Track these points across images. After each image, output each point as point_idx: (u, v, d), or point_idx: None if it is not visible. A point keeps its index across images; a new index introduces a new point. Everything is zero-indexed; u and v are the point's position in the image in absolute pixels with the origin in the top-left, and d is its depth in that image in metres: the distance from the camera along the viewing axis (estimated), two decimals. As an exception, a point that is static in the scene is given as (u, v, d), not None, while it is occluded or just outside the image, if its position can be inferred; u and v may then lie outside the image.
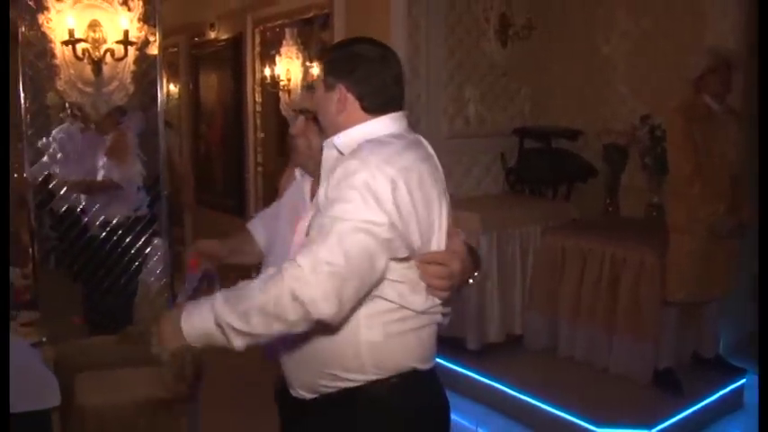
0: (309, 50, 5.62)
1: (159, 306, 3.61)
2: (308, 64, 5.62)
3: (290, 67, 5.80)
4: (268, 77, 5.99)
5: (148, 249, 3.71)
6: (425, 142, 1.63)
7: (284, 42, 5.87)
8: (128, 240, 3.80)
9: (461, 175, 4.82)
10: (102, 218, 3.88)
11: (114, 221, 3.81)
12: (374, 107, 1.57)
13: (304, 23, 5.61)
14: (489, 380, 3.87)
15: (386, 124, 1.58)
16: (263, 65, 6.10)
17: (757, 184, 2.87)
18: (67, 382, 2.99)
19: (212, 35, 6.86)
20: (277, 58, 5.91)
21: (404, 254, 1.45)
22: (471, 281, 1.63)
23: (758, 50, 2.79)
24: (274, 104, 6.03)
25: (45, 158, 4.00)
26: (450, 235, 1.54)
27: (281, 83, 5.84)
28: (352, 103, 1.57)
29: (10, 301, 3.00)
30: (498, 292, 4.15)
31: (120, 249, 3.78)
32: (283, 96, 5.89)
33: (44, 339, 2.93)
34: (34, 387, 2.62)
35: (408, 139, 1.57)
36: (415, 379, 1.56)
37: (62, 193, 3.80)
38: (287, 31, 5.84)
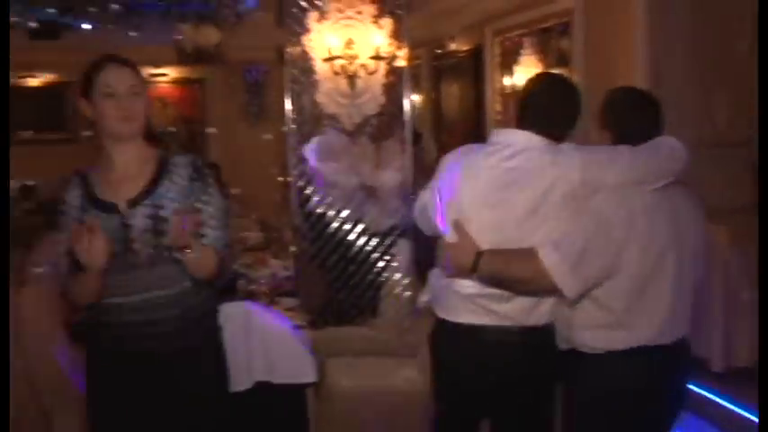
0: (549, 59, 5.64)
1: (403, 302, 3.87)
2: (547, 72, 5.64)
3: (529, 76, 5.85)
4: (507, 87, 6.09)
5: (394, 249, 3.97)
6: (529, 155, 2.11)
7: (523, 52, 5.94)
8: (376, 240, 4.10)
9: (709, 184, 4.54)
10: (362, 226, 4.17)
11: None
12: (517, 120, 2.24)
13: (543, 32, 5.63)
14: (736, 407, 3.60)
15: (504, 134, 2.27)
16: (502, 74, 6.22)
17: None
18: (320, 364, 3.32)
19: (453, 47, 7.11)
20: (516, 68, 6.00)
21: None
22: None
23: (758, 50, 2.46)
24: (513, 113, 6.11)
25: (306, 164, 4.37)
26: None
27: (520, 92, 5.91)
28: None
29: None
30: (751, 309, 3.86)
31: (369, 247, 4.09)
32: (522, 105, 5.94)
33: (303, 324, 3.29)
34: (295, 364, 2.95)
35: (501, 148, 2.19)
36: None
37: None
38: (525, 40, 5.91)
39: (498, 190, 2.08)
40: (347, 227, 4.11)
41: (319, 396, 3.30)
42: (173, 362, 2.12)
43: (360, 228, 4.10)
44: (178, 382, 2.13)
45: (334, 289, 4.07)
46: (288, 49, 3.97)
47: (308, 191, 4.08)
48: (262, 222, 5.89)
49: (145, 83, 2.22)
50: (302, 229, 4.09)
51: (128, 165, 2.14)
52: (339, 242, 4.10)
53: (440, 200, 2.24)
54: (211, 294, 2.24)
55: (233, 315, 2.93)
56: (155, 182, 2.12)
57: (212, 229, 2.10)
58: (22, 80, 8.35)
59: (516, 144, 2.14)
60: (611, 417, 2.10)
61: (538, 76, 2.48)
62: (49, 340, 3.11)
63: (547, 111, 2.17)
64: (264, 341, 2.92)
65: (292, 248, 4.16)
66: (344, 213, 4.10)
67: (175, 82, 8.74)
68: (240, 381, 2.86)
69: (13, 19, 6.38)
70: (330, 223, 4.11)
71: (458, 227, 2.10)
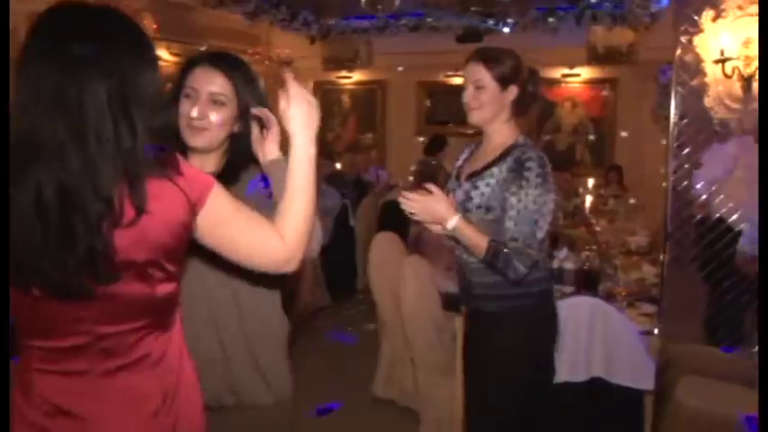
0: None
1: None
2: None
3: None
4: None
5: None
6: None
7: None
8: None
9: None
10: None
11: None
12: None
13: None
14: None
15: None
16: None
17: None
18: (673, 378, 3.21)
19: None
20: None
21: None
22: None
23: (758, 50, 2.36)
24: None
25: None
26: None
27: None
28: None
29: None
30: None
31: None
32: None
33: (656, 331, 3.20)
34: (634, 368, 2.94)
35: None
36: None
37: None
38: None
39: None
40: (728, 237, 3.84)
41: (664, 410, 3.20)
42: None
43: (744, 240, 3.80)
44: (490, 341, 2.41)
45: (705, 303, 3.85)
46: (678, 51, 3.85)
47: (688, 196, 3.92)
48: (650, 228, 5.74)
49: (503, 79, 2.37)
50: (676, 235, 3.94)
51: (488, 146, 2.46)
52: (716, 253, 3.85)
53: None
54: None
55: (579, 307, 3.04)
56: (490, 165, 2.37)
57: (507, 219, 2.25)
58: (448, 79, 9.22)
59: None
60: None
61: None
62: (424, 302, 3.58)
63: None
64: (606, 339, 2.95)
65: (662, 256, 4.04)
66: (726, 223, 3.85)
67: (586, 82, 8.86)
68: (577, 372, 2.96)
69: (442, 24, 7.29)
70: (709, 232, 3.89)
71: None
